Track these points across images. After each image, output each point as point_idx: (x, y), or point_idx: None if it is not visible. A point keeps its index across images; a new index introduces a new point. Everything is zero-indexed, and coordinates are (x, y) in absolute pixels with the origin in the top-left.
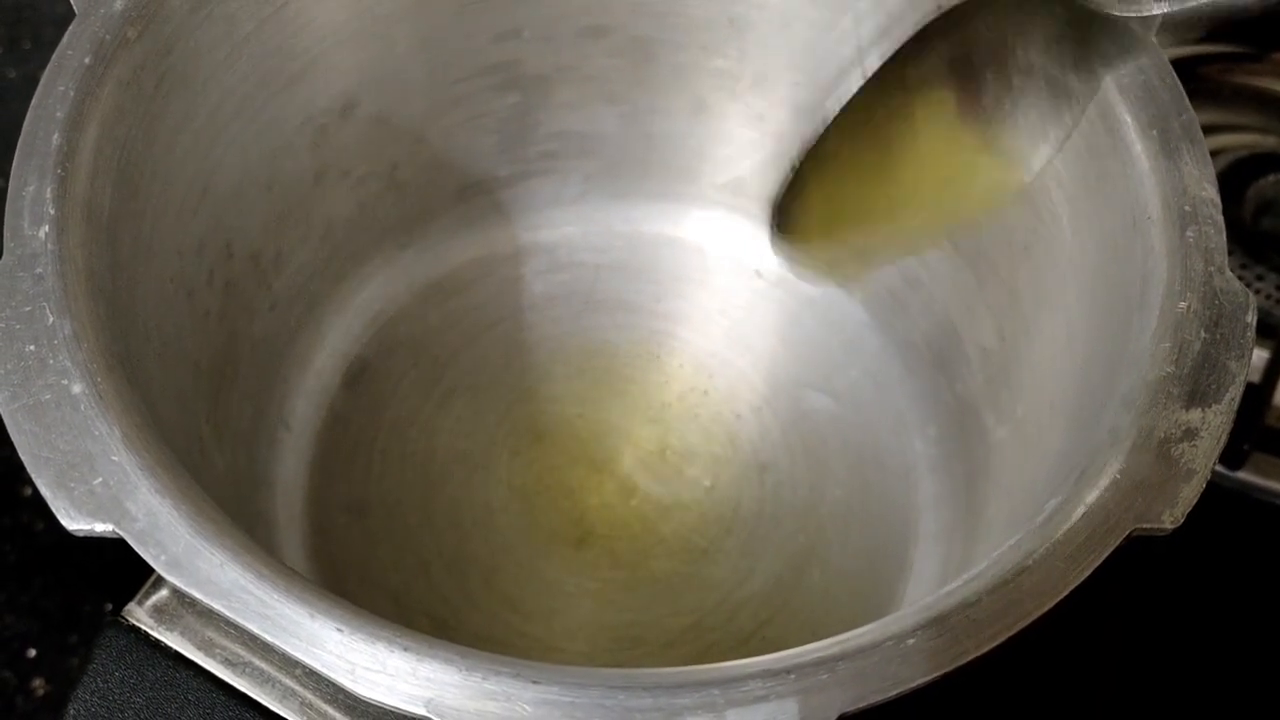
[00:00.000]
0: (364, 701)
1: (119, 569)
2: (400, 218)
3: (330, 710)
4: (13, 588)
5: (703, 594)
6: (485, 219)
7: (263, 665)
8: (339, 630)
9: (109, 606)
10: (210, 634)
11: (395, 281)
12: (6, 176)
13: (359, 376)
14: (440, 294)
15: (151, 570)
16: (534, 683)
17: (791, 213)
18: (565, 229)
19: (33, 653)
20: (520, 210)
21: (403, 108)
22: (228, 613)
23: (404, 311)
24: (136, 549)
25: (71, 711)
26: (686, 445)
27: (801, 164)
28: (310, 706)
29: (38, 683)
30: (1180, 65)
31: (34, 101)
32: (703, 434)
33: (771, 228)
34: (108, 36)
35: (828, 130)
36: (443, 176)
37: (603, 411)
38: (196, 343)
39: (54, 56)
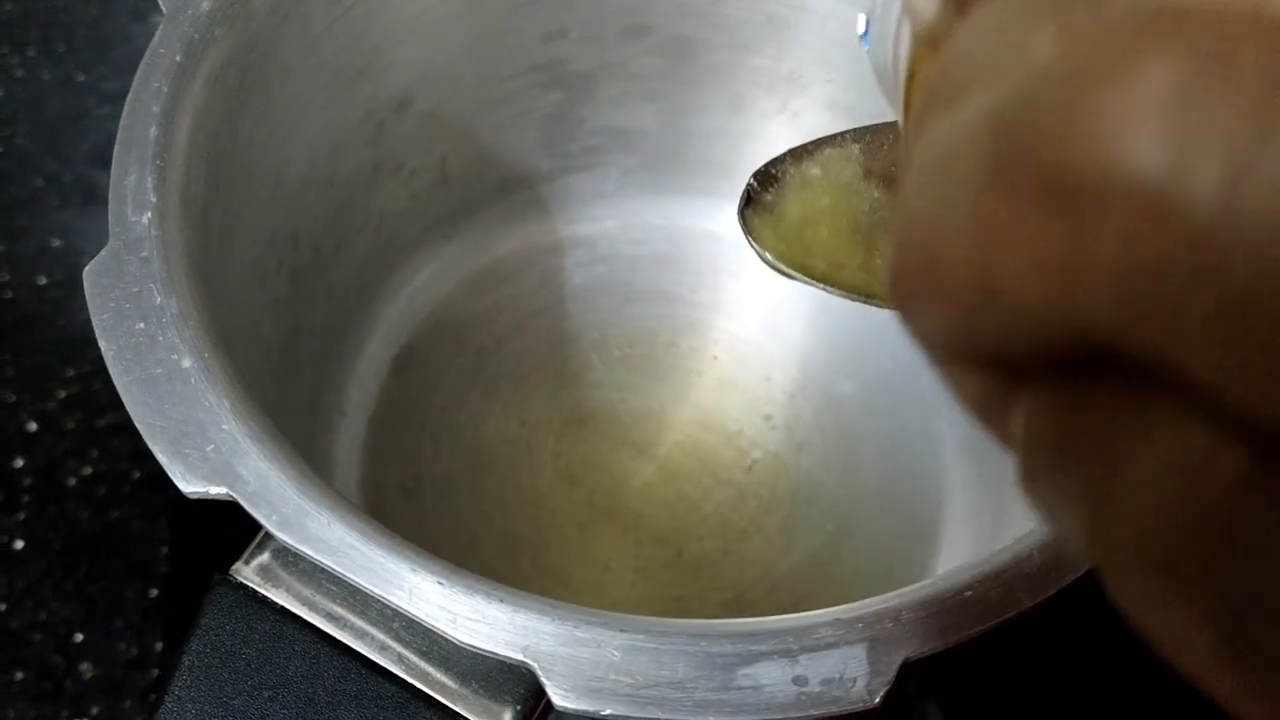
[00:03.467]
0: (456, 653)
1: (163, 556)
2: (447, 210)
3: (422, 663)
4: (58, 575)
5: (742, 570)
6: (527, 212)
7: (359, 621)
8: (440, 583)
9: (154, 593)
10: (310, 592)
11: (443, 272)
12: (45, 175)
13: (408, 363)
14: (485, 284)
15: (252, 534)
16: (622, 631)
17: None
18: (604, 222)
19: (79, 637)
20: (561, 204)
21: (453, 104)
22: (336, 567)
23: (451, 301)
24: (249, 510)
25: (186, 663)
26: (724, 429)
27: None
28: (404, 659)
29: (85, 666)
30: None
31: (130, 96)
32: (739, 418)
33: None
34: (196, 35)
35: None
36: (488, 171)
37: (643, 397)
38: (267, 327)
39: (146, 54)
